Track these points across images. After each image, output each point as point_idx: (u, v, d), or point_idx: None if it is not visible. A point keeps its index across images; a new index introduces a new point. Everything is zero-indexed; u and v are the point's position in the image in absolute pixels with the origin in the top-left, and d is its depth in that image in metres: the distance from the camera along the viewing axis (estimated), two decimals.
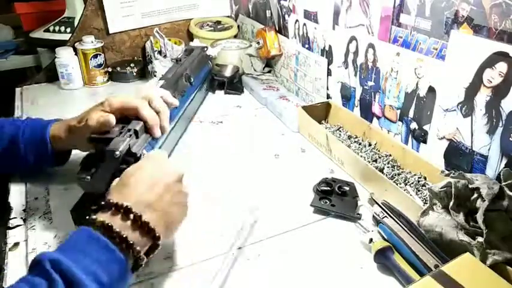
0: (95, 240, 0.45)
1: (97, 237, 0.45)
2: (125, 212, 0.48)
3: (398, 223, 0.62)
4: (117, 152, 0.60)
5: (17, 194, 0.76)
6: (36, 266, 0.41)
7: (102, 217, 0.47)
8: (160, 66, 1.21)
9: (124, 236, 0.46)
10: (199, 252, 0.63)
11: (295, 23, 1.09)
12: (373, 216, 0.67)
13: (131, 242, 0.46)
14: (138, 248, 0.47)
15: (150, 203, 0.50)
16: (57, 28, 1.42)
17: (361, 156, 0.83)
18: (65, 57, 1.18)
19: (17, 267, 0.60)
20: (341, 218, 0.70)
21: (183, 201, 0.56)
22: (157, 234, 0.49)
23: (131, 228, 0.47)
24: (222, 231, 0.67)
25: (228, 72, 1.20)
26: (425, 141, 0.77)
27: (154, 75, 1.22)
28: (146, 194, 0.51)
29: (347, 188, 0.74)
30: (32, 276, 0.41)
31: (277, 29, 1.19)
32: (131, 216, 0.48)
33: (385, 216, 0.64)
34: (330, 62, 0.99)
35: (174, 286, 0.58)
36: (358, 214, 0.70)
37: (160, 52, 1.24)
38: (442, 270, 0.50)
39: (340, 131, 0.94)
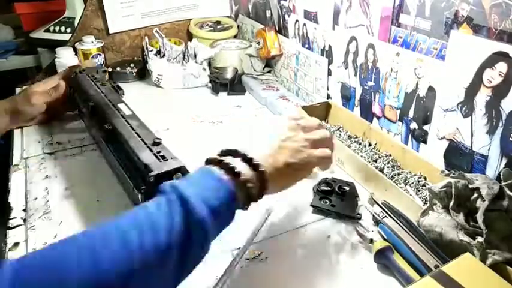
0: (209, 172, 0.50)
1: (210, 170, 0.50)
2: (235, 154, 0.53)
3: (398, 223, 0.62)
4: None
5: (17, 194, 0.76)
6: (160, 191, 0.48)
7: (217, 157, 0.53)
8: (156, 66, 1.22)
9: (232, 166, 0.50)
10: None
11: (295, 23, 1.09)
12: (373, 216, 0.67)
13: (238, 171, 0.50)
14: (244, 177, 0.50)
15: (264, 153, 0.55)
16: (57, 28, 1.42)
17: (361, 156, 0.83)
18: (65, 57, 1.18)
19: None
20: (341, 218, 0.70)
21: (303, 154, 0.57)
22: (263, 170, 0.52)
23: (240, 163, 0.52)
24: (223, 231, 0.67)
25: (228, 75, 1.21)
26: (425, 141, 0.77)
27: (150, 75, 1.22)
28: (262, 146, 0.57)
29: (347, 188, 0.75)
30: (157, 196, 0.47)
31: (277, 29, 1.19)
32: (240, 156, 0.53)
33: (385, 216, 0.64)
34: (329, 62, 0.99)
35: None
36: (358, 214, 0.70)
37: (159, 52, 1.24)
38: (442, 270, 0.50)
39: (340, 131, 0.94)
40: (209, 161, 0.53)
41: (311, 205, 0.72)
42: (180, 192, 0.46)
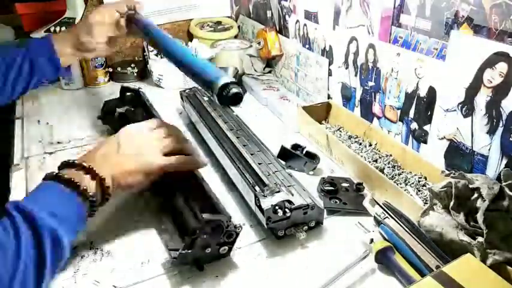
0: (52, 188, 0.55)
1: (53, 185, 0.54)
2: (79, 166, 0.57)
3: (399, 224, 0.62)
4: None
5: (18, 192, 0.76)
6: (5, 213, 0.50)
7: (60, 172, 0.56)
8: (156, 66, 1.22)
9: (75, 181, 0.54)
10: None
11: (296, 23, 1.09)
12: (374, 217, 0.66)
13: (79, 184, 0.54)
14: (85, 188, 0.55)
15: (105, 155, 0.61)
16: (58, 29, 1.41)
17: (362, 156, 0.83)
18: None
19: None
20: (355, 214, 0.71)
21: (147, 146, 0.64)
22: (102, 177, 0.57)
23: (82, 176, 0.56)
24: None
25: (230, 75, 1.21)
26: (425, 142, 0.77)
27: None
28: (106, 153, 0.62)
29: (347, 184, 0.76)
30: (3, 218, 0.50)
31: (277, 29, 1.20)
32: (84, 167, 0.57)
33: (386, 217, 0.64)
34: (330, 63, 0.99)
35: (177, 286, 0.58)
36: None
37: (160, 52, 1.24)
38: (443, 270, 0.50)
39: (340, 131, 0.94)
40: (49, 176, 0.56)
41: (324, 207, 0.70)
42: (22, 210, 0.49)
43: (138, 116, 0.91)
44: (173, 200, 0.67)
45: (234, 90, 0.57)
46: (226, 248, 0.61)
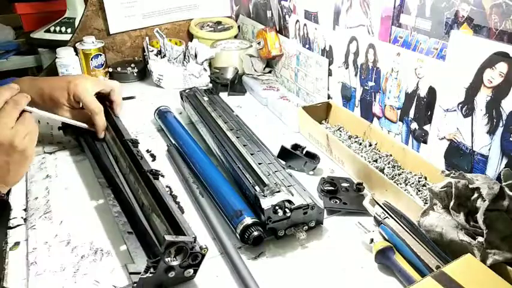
0: None
1: None
2: None
3: (399, 224, 0.62)
4: None
5: (17, 193, 0.76)
6: None
7: None
8: (156, 66, 1.22)
9: None
10: None
11: (296, 23, 1.09)
12: (374, 217, 0.66)
13: None
14: None
15: None
16: (57, 28, 1.42)
17: (362, 156, 0.83)
18: (66, 58, 1.18)
19: (17, 266, 0.61)
20: (355, 214, 0.71)
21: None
22: None
23: None
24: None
25: (229, 75, 1.21)
26: (425, 142, 0.77)
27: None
28: None
29: (347, 184, 0.76)
30: None
31: (277, 29, 1.20)
32: None
33: (387, 217, 0.64)
34: (330, 62, 0.99)
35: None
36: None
37: (160, 52, 1.24)
38: (443, 271, 0.50)
39: (340, 131, 0.94)
40: None
41: (324, 207, 0.70)
42: None
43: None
44: (134, 215, 0.63)
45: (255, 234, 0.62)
46: (192, 270, 0.56)
